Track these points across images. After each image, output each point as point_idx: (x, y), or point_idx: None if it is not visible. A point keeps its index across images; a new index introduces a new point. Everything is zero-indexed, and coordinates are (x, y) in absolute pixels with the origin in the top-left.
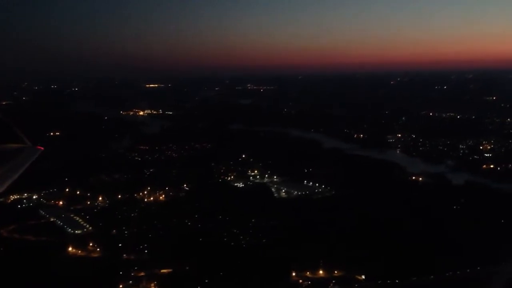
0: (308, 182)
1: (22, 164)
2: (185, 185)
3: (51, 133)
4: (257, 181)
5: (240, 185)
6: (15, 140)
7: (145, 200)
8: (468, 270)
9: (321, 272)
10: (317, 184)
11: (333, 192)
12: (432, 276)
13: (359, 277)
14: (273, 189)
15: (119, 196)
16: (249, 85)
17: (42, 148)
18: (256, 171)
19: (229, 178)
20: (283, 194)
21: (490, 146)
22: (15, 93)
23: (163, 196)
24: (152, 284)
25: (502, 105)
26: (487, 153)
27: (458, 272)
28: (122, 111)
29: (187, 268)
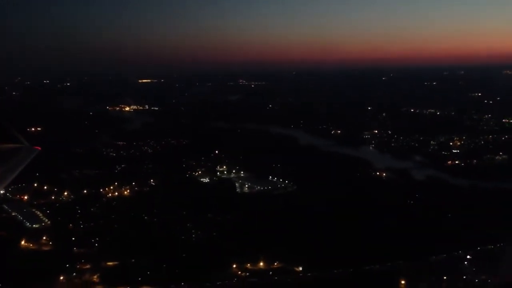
0: (273, 178)
1: (19, 164)
2: (151, 181)
3: (32, 129)
4: (224, 176)
5: (206, 180)
6: (12, 140)
7: (109, 195)
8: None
9: (261, 264)
10: (281, 180)
11: (295, 188)
12: (367, 267)
13: (297, 269)
14: (237, 184)
15: (85, 191)
16: (241, 80)
17: (39, 148)
18: (224, 167)
19: (196, 174)
20: (245, 189)
21: (460, 142)
22: (6, 88)
23: (128, 191)
24: (95, 276)
25: (486, 101)
26: (455, 149)
27: (388, 264)
28: (109, 107)
29: (133, 260)
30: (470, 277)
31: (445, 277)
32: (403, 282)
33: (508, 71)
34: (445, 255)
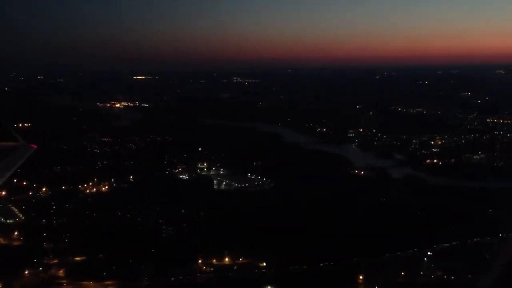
0: (251, 175)
1: (15, 162)
2: (131, 177)
3: (20, 125)
4: (204, 173)
5: (185, 177)
6: (8, 138)
7: (87, 191)
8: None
9: (226, 259)
10: (259, 177)
11: (272, 185)
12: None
13: (261, 264)
14: (215, 181)
15: (63, 188)
16: (235, 78)
17: (36, 146)
18: (205, 164)
19: (176, 171)
20: (223, 186)
21: (441, 141)
22: None
23: (107, 187)
24: (61, 271)
25: (474, 101)
26: (436, 148)
27: (348, 260)
28: (99, 103)
29: (101, 256)
30: (428, 273)
31: (402, 273)
32: (361, 277)
33: (501, 71)
34: (405, 252)
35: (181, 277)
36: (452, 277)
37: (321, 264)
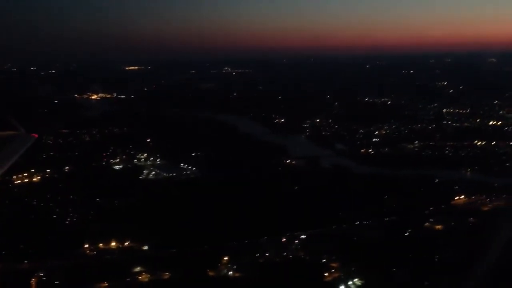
0: (184, 165)
1: (16, 151)
2: (66, 168)
3: None
4: (140, 164)
5: (119, 167)
6: (9, 127)
7: (18, 182)
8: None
9: (113, 244)
10: (191, 167)
11: (199, 175)
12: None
13: (143, 248)
14: (145, 171)
15: None
16: (225, 68)
17: (36, 136)
18: (145, 155)
19: (114, 161)
20: (151, 176)
21: (385, 131)
22: None
23: (39, 178)
24: None
25: (446, 90)
26: (377, 138)
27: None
28: (77, 95)
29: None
30: (289, 254)
31: (266, 254)
32: (225, 258)
33: (493, 59)
34: (284, 235)
35: (54, 261)
36: (308, 257)
37: (196, 247)
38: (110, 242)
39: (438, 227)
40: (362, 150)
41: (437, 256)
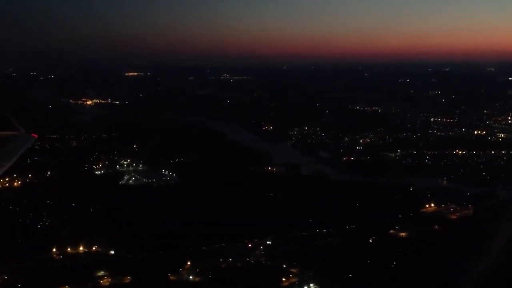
0: (165, 171)
1: (16, 151)
2: (48, 173)
3: None
4: (123, 169)
5: (100, 173)
6: (9, 128)
7: None
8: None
9: (81, 248)
10: (171, 173)
11: (178, 181)
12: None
13: (110, 252)
14: (126, 177)
15: None
16: (224, 75)
17: (36, 136)
18: (129, 161)
19: (96, 167)
20: (130, 181)
21: (370, 139)
22: None
23: (20, 182)
24: None
25: (439, 99)
26: (360, 146)
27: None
28: (72, 100)
29: None
30: (251, 259)
31: (230, 259)
32: (188, 263)
33: (491, 69)
34: (250, 240)
35: (20, 265)
36: (269, 263)
37: (161, 252)
38: (79, 247)
39: (402, 234)
40: (344, 158)
41: (394, 263)
